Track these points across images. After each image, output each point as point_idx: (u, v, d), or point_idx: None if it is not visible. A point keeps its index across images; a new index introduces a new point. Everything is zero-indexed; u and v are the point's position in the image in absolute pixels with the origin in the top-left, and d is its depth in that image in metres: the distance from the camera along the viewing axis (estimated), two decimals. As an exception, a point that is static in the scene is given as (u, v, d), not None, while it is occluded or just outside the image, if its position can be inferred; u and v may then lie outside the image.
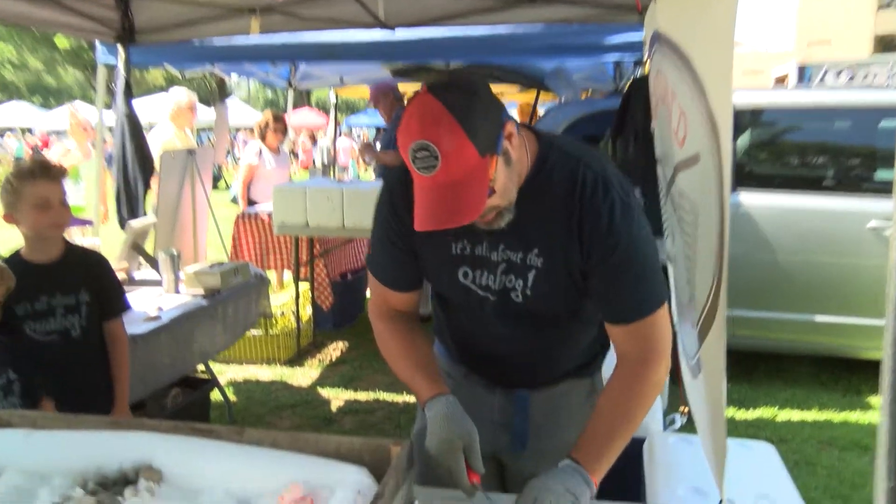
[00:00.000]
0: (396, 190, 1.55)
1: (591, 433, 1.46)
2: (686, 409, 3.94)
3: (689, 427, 3.81)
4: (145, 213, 4.66)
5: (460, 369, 1.78)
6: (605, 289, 1.50)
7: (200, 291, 3.68)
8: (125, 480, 1.42)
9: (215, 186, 12.23)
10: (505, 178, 1.37)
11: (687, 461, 2.21)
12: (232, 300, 3.81)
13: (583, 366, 1.75)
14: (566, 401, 1.75)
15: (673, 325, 2.66)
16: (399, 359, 1.60)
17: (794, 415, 4.35)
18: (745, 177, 4.71)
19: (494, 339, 1.67)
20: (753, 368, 5.01)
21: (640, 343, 1.51)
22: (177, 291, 3.67)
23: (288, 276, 6.57)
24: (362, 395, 4.68)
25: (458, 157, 1.27)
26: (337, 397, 4.67)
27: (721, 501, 1.58)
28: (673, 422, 3.14)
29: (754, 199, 4.62)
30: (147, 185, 4.68)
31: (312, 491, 1.33)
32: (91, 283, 2.52)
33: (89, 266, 2.57)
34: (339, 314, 5.95)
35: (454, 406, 1.46)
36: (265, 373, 5.12)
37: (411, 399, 4.50)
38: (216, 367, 4.84)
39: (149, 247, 4.29)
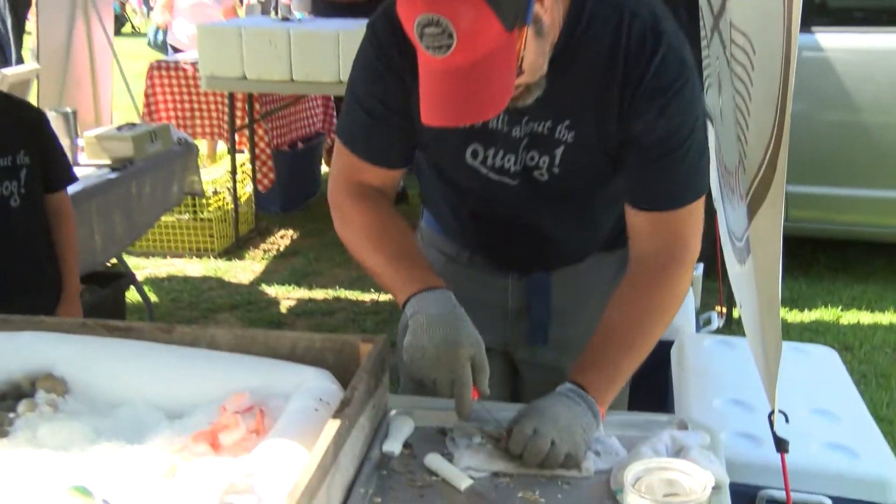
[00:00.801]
0: (387, 38, 1.51)
1: (598, 353, 1.49)
2: (724, 309, 4.04)
3: (726, 329, 3.92)
4: (22, 61, 4.53)
5: (463, 251, 1.80)
6: (639, 166, 1.51)
7: (106, 162, 3.64)
8: (18, 393, 1.43)
9: (118, 32, 11.92)
10: (535, 52, 1.36)
11: (726, 368, 2.27)
12: (149, 174, 3.77)
13: (613, 238, 1.77)
14: (592, 279, 1.79)
15: (712, 201, 2.68)
16: (370, 245, 1.57)
17: (864, 317, 4.45)
18: (817, 10, 4.63)
19: (509, 221, 1.68)
20: (812, 260, 5.09)
21: (665, 239, 1.53)
22: (74, 162, 3.63)
23: (222, 145, 6.51)
24: (318, 294, 4.73)
25: (479, 33, 1.24)
26: (287, 296, 4.72)
27: (772, 413, 1.63)
28: (709, 321, 3.22)
29: (827, 41, 4.55)
30: (20, 23, 4.51)
31: (262, 400, 1.36)
32: (32, 145, 2.54)
33: (29, 122, 2.59)
34: (288, 193, 5.93)
35: (457, 305, 1.47)
36: (195, 267, 5.15)
37: (382, 297, 4.56)
38: (132, 261, 4.84)
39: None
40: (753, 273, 1.80)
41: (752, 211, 1.77)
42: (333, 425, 1.19)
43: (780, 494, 1.77)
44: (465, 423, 1.43)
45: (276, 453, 1.18)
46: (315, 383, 1.37)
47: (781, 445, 1.62)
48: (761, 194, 1.72)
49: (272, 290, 4.80)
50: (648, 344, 1.52)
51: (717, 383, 2.16)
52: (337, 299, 4.67)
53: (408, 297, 1.47)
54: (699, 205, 1.54)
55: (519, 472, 1.35)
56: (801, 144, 4.44)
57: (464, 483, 1.31)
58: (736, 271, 2.09)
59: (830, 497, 1.78)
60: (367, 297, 4.64)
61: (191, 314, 4.48)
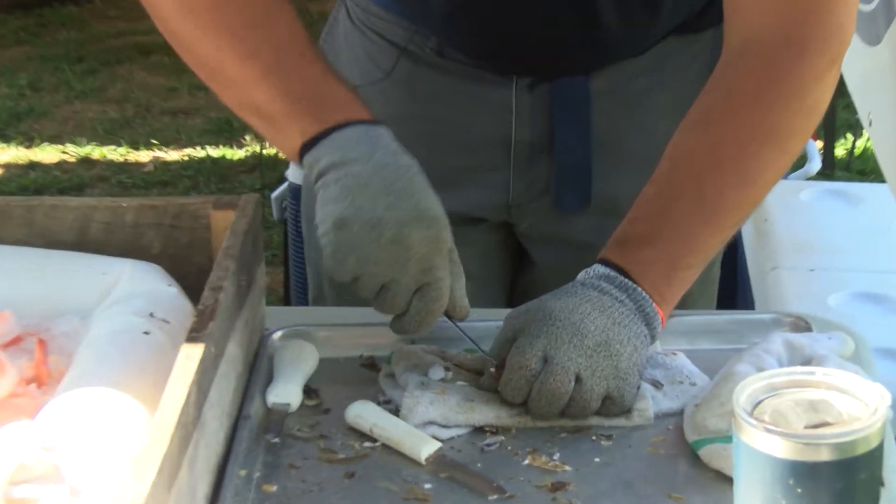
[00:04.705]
0: None
1: (655, 212, 1.52)
2: (821, 143, 4.17)
3: (823, 175, 4.01)
4: None
5: (427, 38, 1.81)
6: None
7: None
8: None
9: None
10: None
11: (843, 237, 2.37)
12: None
13: (696, 11, 1.79)
14: (664, 83, 1.81)
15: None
16: (239, 37, 1.55)
17: None
18: None
19: None
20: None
21: (792, 7, 1.55)
22: None
23: None
24: (47, 153, 4.79)
25: None
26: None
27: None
28: (804, 160, 3.33)
29: None
30: None
31: (40, 323, 1.40)
32: None
33: None
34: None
35: (406, 152, 1.47)
36: None
37: (181, 152, 4.62)
38: None
39: None
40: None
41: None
42: (192, 354, 1.19)
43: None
44: (410, 345, 1.49)
45: (86, 412, 1.20)
46: (137, 286, 1.41)
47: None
48: None
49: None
50: (752, 197, 1.56)
51: (832, 264, 2.25)
52: (86, 163, 4.70)
53: (316, 135, 1.46)
54: None
55: (519, 425, 1.40)
56: None
57: (426, 449, 1.34)
58: (861, 64, 2.16)
59: None
60: (145, 153, 4.68)
61: None
